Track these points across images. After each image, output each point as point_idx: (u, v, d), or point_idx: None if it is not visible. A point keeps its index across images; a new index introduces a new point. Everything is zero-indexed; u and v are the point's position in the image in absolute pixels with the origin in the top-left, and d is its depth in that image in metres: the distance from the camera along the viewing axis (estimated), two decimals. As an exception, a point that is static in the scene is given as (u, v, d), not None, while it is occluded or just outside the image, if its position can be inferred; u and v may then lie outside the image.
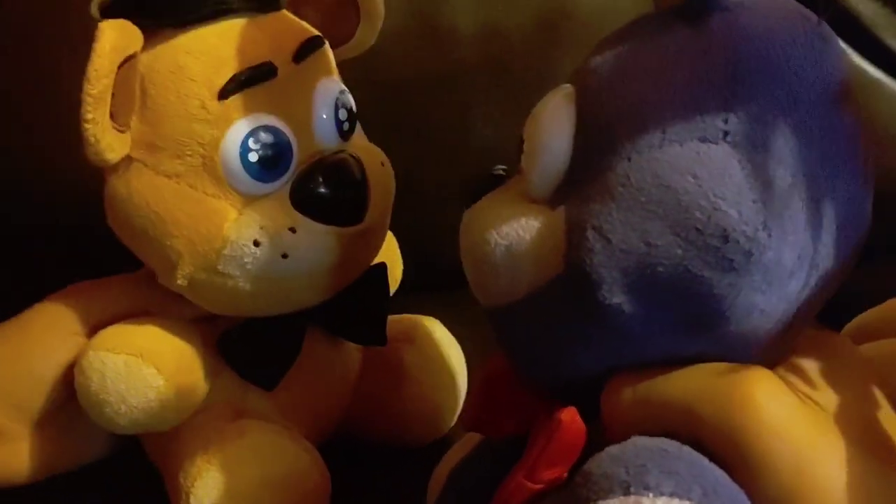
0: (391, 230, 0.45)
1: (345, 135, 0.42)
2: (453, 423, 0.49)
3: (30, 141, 0.59)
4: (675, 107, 0.26)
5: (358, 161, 0.40)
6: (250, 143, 0.38)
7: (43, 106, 0.58)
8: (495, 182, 0.32)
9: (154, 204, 0.38)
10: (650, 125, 0.26)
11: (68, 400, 0.41)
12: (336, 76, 0.42)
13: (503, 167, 0.32)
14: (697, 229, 0.24)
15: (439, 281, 0.55)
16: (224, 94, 0.38)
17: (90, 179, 0.41)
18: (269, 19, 0.40)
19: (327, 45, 0.42)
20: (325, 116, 0.40)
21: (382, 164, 0.43)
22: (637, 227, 0.25)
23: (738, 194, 0.24)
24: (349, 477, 0.42)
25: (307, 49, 0.40)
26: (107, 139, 0.36)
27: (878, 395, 0.27)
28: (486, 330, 0.52)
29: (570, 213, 0.27)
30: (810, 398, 0.26)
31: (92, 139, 0.36)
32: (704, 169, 0.25)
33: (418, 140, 0.59)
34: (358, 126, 0.44)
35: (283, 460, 0.40)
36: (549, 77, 0.59)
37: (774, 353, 0.28)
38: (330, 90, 0.41)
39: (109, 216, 0.41)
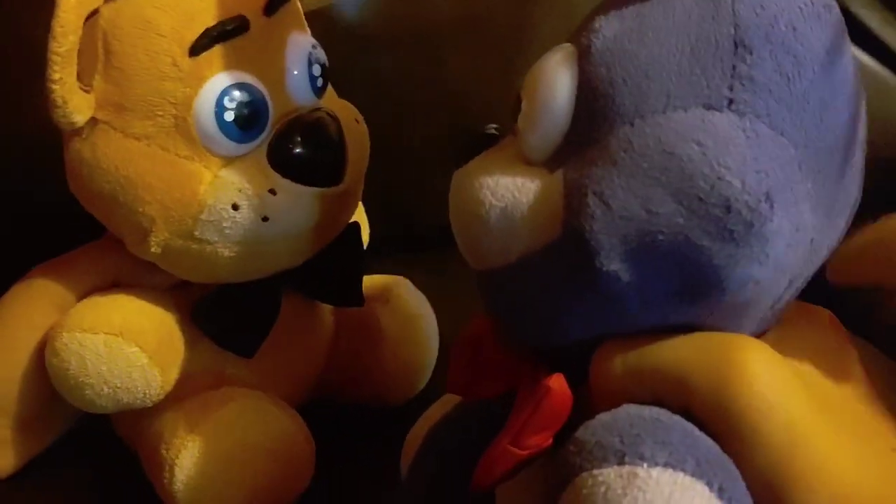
0: (366, 191, 0.45)
1: (318, 91, 0.40)
2: (427, 382, 0.49)
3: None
4: (680, 71, 0.26)
5: (335, 119, 0.39)
6: (225, 101, 0.37)
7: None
8: (487, 141, 0.31)
9: (123, 168, 0.37)
10: (654, 89, 0.26)
11: (47, 391, 0.40)
12: (307, 30, 0.41)
13: (495, 126, 0.32)
14: (700, 198, 0.24)
15: (412, 241, 0.55)
16: (195, 49, 0.36)
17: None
18: None
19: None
20: (297, 72, 0.39)
21: (357, 122, 0.42)
22: (638, 193, 0.25)
23: (742, 164, 0.24)
24: (328, 439, 0.42)
25: (278, 1, 0.39)
26: (74, 100, 0.35)
27: (860, 371, 0.27)
28: (457, 291, 0.53)
29: (570, 176, 0.26)
30: (799, 371, 0.26)
31: (59, 101, 0.34)
32: (709, 137, 0.24)
33: (394, 96, 0.58)
34: (329, 85, 0.43)
35: (268, 426, 0.40)
36: (528, 33, 0.59)
37: (763, 323, 0.28)
38: (302, 45, 0.40)
39: (72, 182, 0.39)
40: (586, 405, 0.28)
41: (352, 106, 0.43)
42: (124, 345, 0.38)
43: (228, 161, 0.37)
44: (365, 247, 0.51)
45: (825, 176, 0.26)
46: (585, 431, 0.25)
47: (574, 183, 0.26)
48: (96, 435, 0.43)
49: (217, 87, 0.36)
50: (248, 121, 0.37)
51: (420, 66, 0.60)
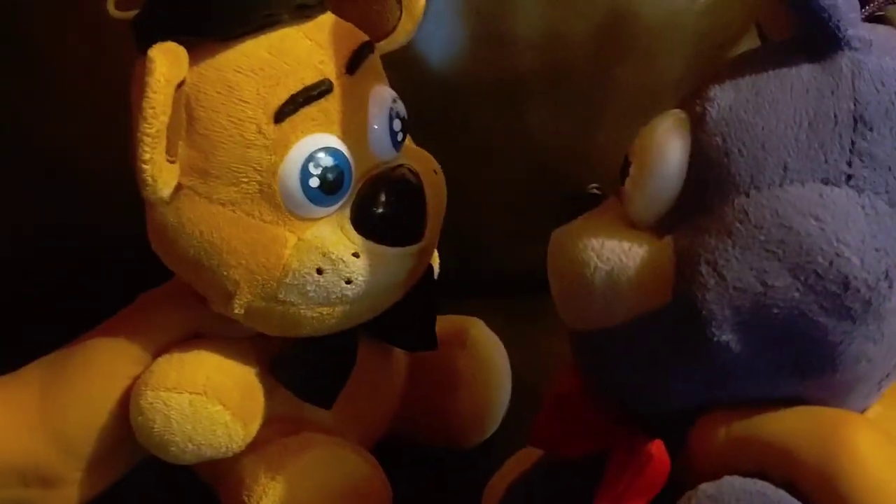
0: (442, 234, 0.44)
1: (398, 146, 0.40)
2: (499, 425, 0.50)
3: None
4: (798, 145, 0.26)
5: (416, 175, 0.39)
6: (310, 167, 0.36)
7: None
8: (589, 201, 0.31)
9: (208, 233, 0.36)
10: (771, 161, 0.26)
11: (120, 437, 0.40)
12: (386, 82, 0.41)
13: (597, 185, 0.32)
14: (818, 274, 0.24)
15: (481, 286, 0.55)
16: (280, 116, 0.36)
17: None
18: (317, 26, 0.38)
19: (376, 49, 0.40)
20: (378, 128, 0.39)
21: (435, 172, 0.42)
22: (754, 265, 0.25)
23: (861, 241, 0.24)
24: (401, 482, 0.42)
25: (359, 57, 0.38)
26: (164, 177, 0.35)
27: None
28: (529, 337, 0.53)
29: (681, 243, 0.27)
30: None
31: (150, 180, 0.34)
32: (827, 212, 0.25)
33: (473, 144, 0.59)
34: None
35: (346, 472, 0.40)
36: (607, 86, 0.59)
37: (870, 399, 0.28)
38: (384, 99, 0.40)
39: (155, 244, 0.39)
40: (682, 473, 0.28)
41: (429, 156, 0.42)
42: (208, 403, 0.38)
43: (312, 223, 0.37)
44: (436, 275, 0.50)
45: None
46: (689, 502, 0.25)
47: (686, 250, 0.26)
48: (173, 468, 0.43)
49: (302, 153, 0.36)
50: (333, 185, 0.37)
51: (501, 115, 0.60)
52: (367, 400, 0.45)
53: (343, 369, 0.42)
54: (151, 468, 0.42)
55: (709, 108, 0.27)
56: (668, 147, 0.28)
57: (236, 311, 0.38)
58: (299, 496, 0.39)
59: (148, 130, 0.33)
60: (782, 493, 0.25)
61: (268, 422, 0.41)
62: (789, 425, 0.26)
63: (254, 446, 0.40)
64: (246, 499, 0.39)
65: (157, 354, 0.40)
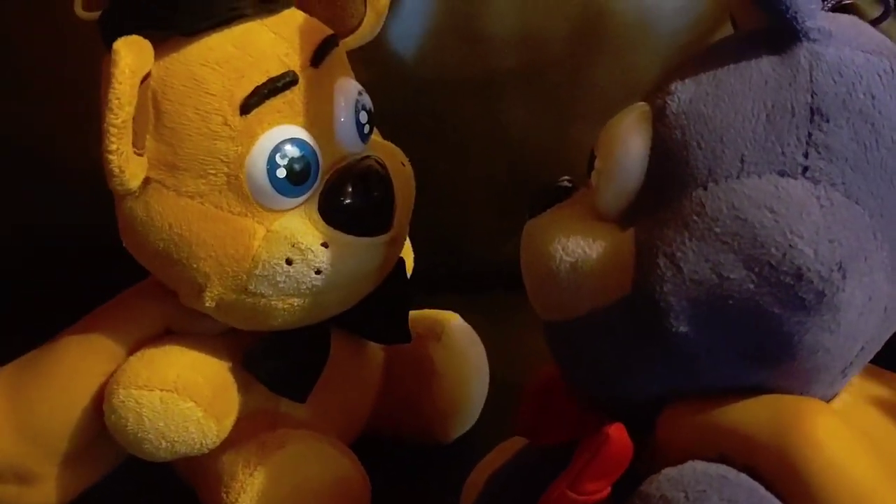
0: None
1: (365, 138, 0.41)
2: (477, 418, 0.50)
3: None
4: (755, 137, 0.26)
5: (383, 166, 0.40)
6: (277, 158, 0.37)
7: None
8: (560, 194, 0.32)
9: (177, 226, 0.37)
10: (729, 154, 0.26)
11: (97, 436, 0.41)
12: (352, 75, 0.42)
13: (568, 178, 0.33)
14: (772, 266, 0.25)
15: (461, 281, 0.56)
16: (246, 108, 0.37)
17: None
18: (282, 20, 0.39)
19: (341, 42, 0.41)
20: (344, 120, 0.40)
21: (403, 165, 0.42)
22: (710, 257, 0.25)
23: (815, 233, 0.25)
24: (380, 477, 0.43)
25: (324, 50, 0.39)
26: (131, 168, 0.35)
27: None
28: (509, 331, 0.53)
29: (641, 236, 0.27)
30: (868, 436, 0.26)
31: (116, 170, 0.35)
32: (782, 204, 0.25)
33: (450, 140, 0.60)
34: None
35: (326, 467, 0.41)
36: (583, 83, 0.60)
37: (834, 387, 0.28)
38: (349, 92, 0.40)
39: (125, 239, 0.40)
40: (650, 459, 0.29)
41: (397, 149, 0.43)
42: (179, 400, 0.39)
43: (280, 214, 0.38)
44: (409, 274, 0.51)
45: None
46: (651, 485, 0.26)
47: (645, 243, 0.27)
48: (152, 469, 0.44)
49: (268, 144, 0.37)
50: (300, 175, 0.38)
51: (477, 112, 0.61)
52: (343, 394, 0.46)
53: (316, 363, 0.43)
54: (131, 470, 0.43)
55: (669, 101, 0.28)
56: (629, 140, 0.28)
57: (207, 304, 0.39)
58: (277, 491, 0.40)
59: (114, 121, 0.33)
60: (743, 476, 0.26)
61: (244, 418, 0.42)
62: (751, 413, 0.27)
63: (231, 443, 0.41)
64: (224, 496, 0.40)
65: (130, 352, 0.40)
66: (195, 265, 0.38)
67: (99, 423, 0.40)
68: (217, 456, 0.41)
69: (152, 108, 0.36)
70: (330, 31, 0.40)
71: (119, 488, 0.44)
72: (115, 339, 0.40)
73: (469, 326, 0.51)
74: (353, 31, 0.42)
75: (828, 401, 0.28)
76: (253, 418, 0.42)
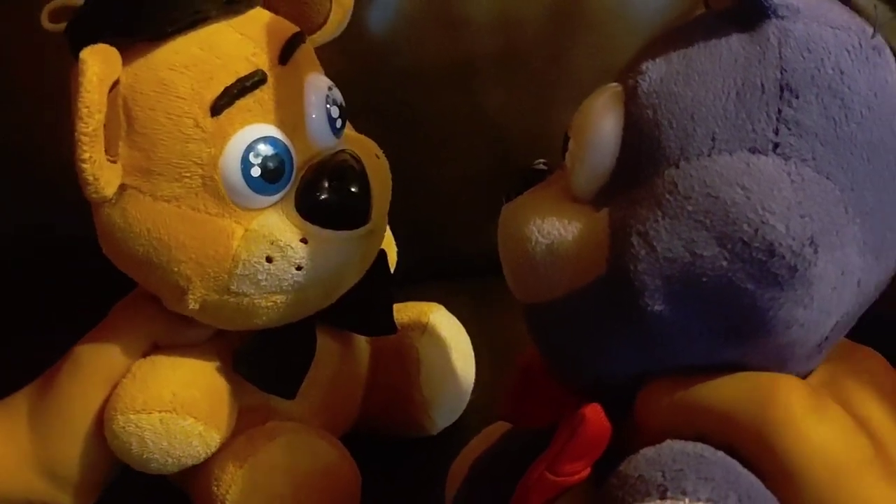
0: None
1: (338, 132, 0.41)
2: (464, 408, 0.51)
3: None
4: (726, 115, 0.26)
5: (358, 160, 0.40)
6: (250, 157, 0.37)
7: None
8: (535, 176, 0.32)
9: (155, 230, 0.38)
10: (700, 132, 0.27)
11: (105, 460, 0.42)
12: (321, 70, 0.42)
13: (543, 161, 0.33)
14: (744, 242, 0.25)
15: (446, 270, 0.56)
16: (217, 109, 0.37)
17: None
18: (247, 20, 0.39)
19: (307, 38, 0.41)
20: (316, 116, 0.40)
21: (377, 157, 0.43)
22: (683, 235, 0.26)
23: (786, 208, 0.25)
24: (370, 470, 0.44)
25: (291, 48, 0.40)
26: (105, 176, 0.35)
27: None
28: (495, 319, 0.54)
29: (615, 216, 0.28)
30: (844, 410, 0.27)
31: (90, 178, 0.35)
32: (754, 181, 0.25)
33: (430, 129, 0.60)
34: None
35: (316, 459, 0.42)
36: (565, 68, 0.60)
37: (810, 362, 0.29)
38: (319, 87, 0.41)
39: (105, 246, 0.40)
40: (630, 439, 0.29)
41: (371, 141, 0.44)
42: (179, 419, 0.39)
43: (257, 213, 0.38)
44: (393, 269, 0.51)
45: (874, 217, 0.27)
46: (629, 465, 0.26)
47: (619, 223, 0.27)
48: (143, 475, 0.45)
49: (241, 144, 0.37)
50: (274, 173, 0.38)
51: (455, 99, 0.61)
52: (331, 388, 0.47)
53: (303, 359, 0.43)
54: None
55: (640, 80, 0.28)
56: (601, 121, 0.28)
57: (191, 306, 0.39)
58: (268, 483, 0.40)
59: (84, 130, 0.34)
60: (721, 454, 0.26)
61: (237, 417, 0.42)
62: (728, 391, 0.27)
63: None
64: (215, 489, 0.40)
65: (123, 373, 0.41)
66: (176, 268, 0.38)
67: (106, 448, 0.40)
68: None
69: (123, 115, 0.37)
70: (296, 29, 0.41)
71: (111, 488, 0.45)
72: (106, 364, 0.41)
73: (453, 317, 0.51)
74: (319, 27, 0.42)
75: (804, 376, 0.29)
76: (244, 416, 0.43)
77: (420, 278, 0.53)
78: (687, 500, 0.24)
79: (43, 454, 0.41)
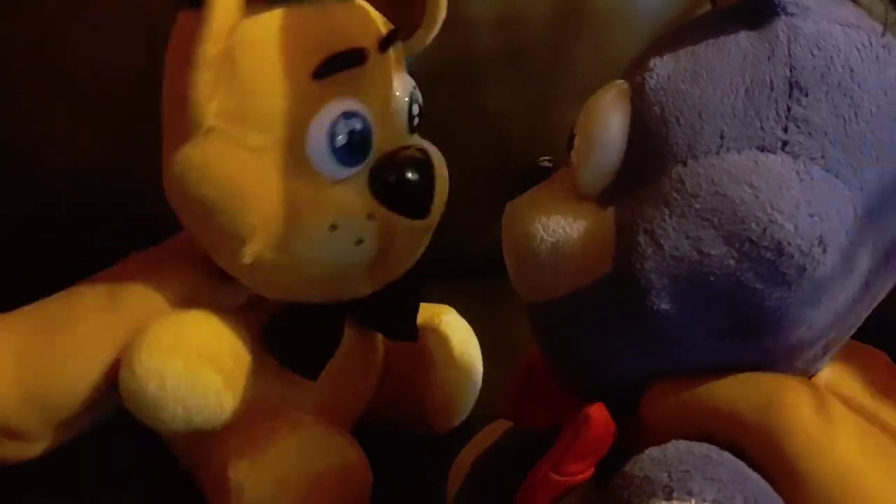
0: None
1: (413, 129, 0.43)
2: (472, 408, 0.51)
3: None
4: (734, 113, 0.26)
5: (428, 157, 0.42)
6: (338, 126, 0.39)
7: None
8: (540, 174, 0.32)
9: (233, 176, 0.38)
10: (708, 129, 0.26)
11: (96, 403, 0.41)
12: (406, 72, 0.44)
13: (548, 158, 0.33)
14: (752, 241, 0.25)
15: (447, 270, 0.56)
16: (319, 74, 0.38)
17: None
18: (354, 7, 0.41)
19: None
20: (399, 108, 0.42)
21: (441, 163, 0.44)
22: (690, 234, 0.25)
23: (795, 207, 0.25)
24: (378, 465, 0.44)
25: (392, 39, 0.41)
26: (211, 106, 0.37)
27: None
28: (500, 318, 0.54)
29: (621, 214, 0.27)
30: (851, 412, 0.26)
31: (202, 100, 0.36)
32: (762, 179, 0.25)
33: (430, 128, 0.60)
34: None
35: (333, 455, 0.42)
36: (564, 66, 0.60)
37: (816, 363, 0.28)
38: (406, 83, 0.43)
39: (173, 187, 0.40)
40: (633, 439, 0.29)
41: (435, 148, 0.45)
42: (202, 367, 0.39)
43: (332, 183, 0.39)
44: None
45: (882, 217, 0.26)
46: (634, 466, 0.26)
47: (626, 221, 0.27)
48: (149, 452, 0.45)
49: (333, 112, 0.39)
50: (357, 147, 0.40)
51: (458, 97, 0.61)
52: (347, 383, 0.47)
53: (330, 342, 0.44)
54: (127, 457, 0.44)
55: (647, 77, 0.28)
56: (608, 118, 0.28)
57: (245, 260, 0.39)
58: (285, 475, 0.40)
59: (208, 52, 0.35)
60: (727, 455, 0.26)
61: (252, 401, 0.42)
62: (734, 391, 0.27)
63: (238, 427, 0.42)
64: (232, 476, 0.40)
65: (147, 320, 0.40)
66: (243, 217, 0.39)
67: (103, 389, 0.40)
68: (226, 439, 0.42)
69: (229, 61, 0.37)
70: (396, 26, 0.42)
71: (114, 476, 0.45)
72: (133, 306, 0.41)
73: (463, 319, 0.52)
74: (405, 38, 0.44)
75: (811, 376, 0.29)
76: (260, 403, 0.43)
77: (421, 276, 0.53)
78: (693, 501, 0.24)
79: (37, 384, 0.40)
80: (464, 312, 0.52)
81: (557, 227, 0.29)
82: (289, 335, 0.43)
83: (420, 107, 0.43)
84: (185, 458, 0.45)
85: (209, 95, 0.36)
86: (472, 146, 0.62)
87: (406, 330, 0.47)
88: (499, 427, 0.38)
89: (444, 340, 0.50)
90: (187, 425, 0.40)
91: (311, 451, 0.41)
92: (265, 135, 0.38)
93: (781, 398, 0.26)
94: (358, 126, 0.39)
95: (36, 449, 0.42)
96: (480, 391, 0.52)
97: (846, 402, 0.27)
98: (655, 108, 0.27)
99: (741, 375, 0.27)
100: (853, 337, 0.29)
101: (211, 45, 0.35)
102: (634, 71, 0.29)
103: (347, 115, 0.39)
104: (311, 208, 0.39)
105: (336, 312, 0.44)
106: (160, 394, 0.39)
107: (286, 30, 0.38)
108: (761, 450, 0.25)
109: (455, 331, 0.51)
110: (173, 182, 0.40)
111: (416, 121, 0.43)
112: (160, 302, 0.41)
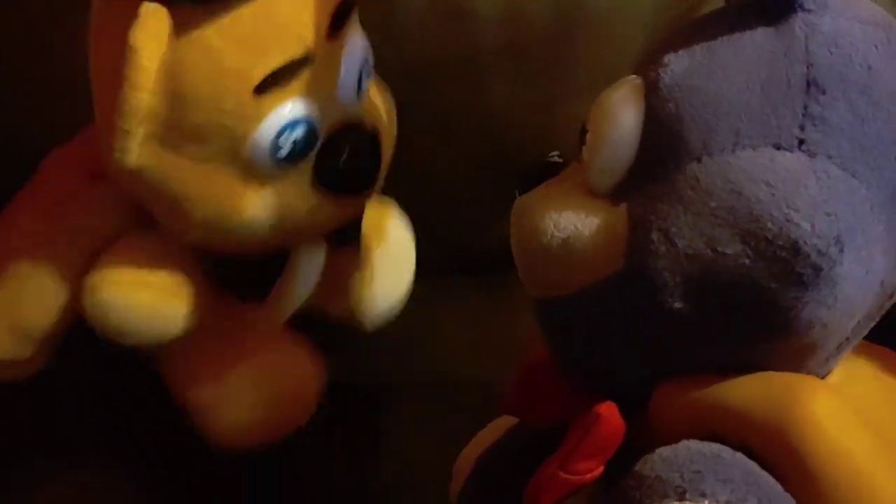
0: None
1: (361, 93, 0.42)
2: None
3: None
4: (750, 109, 0.26)
5: (376, 131, 0.41)
6: (281, 140, 0.38)
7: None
8: (550, 169, 0.32)
9: (171, 182, 0.38)
10: (723, 126, 0.26)
11: (67, 326, 0.43)
12: (361, 32, 0.42)
13: (558, 153, 0.32)
14: (767, 240, 0.24)
15: (450, 266, 0.56)
16: (261, 90, 0.37)
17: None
18: None
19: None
20: (346, 83, 0.40)
21: (388, 113, 0.44)
22: (704, 232, 0.25)
23: (811, 206, 0.24)
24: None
25: (340, 20, 0.39)
26: (135, 149, 0.36)
27: None
28: (497, 313, 0.53)
29: (634, 211, 0.27)
30: (863, 412, 0.26)
31: (123, 149, 0.36)
32: (778, 178, 0.25)
33: (432, 124, 0.60)
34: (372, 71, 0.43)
35: (287, 372, 0.45)
36: (571, 62, 0.60)
37: (829, 363, 0.28)
38: (356, 54, 0.41)
39: (116, 173, 0.40)
40: (642, 438, 0.28)
41: (389, 98, 0.44)
42: (162, 296, 0.41)
43: (276, 179, 0.39)
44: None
45: None
46: (645, 466, 0.26)
47: (639, 218, 0.27)
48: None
49: (274, 126, 0.38)
50: (300, 154, 0.39)
51: (461, 92, 0.61)
52: (292, 285, 0.47)
53: (275, 268, 0.44)
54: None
55: (662, 73, 0.27)
56: (621, 114, 0.28)
57: (191, 237, 0.41)
58: (239, 400, 0.43)
59: (133, 100, 0.34)
60: (739, 455, 0.25)
61: (206, 319, 0.43)
62: (747, 390, 0.26)
63: (194, 349, 0.44)
64: (190, 404, 0.43)
65: (102, 242, 0.42)
66: (183, 214, 0.39)
67: (74, 313, 0.42)
68: (184, 357, 0.44)
69: (164, 71, 0.36)
70: None
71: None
72: (84, 234, 0.42)
73: (406, 228, 0.51)
74: None
75: (823, 376, 0.28)
76: (216, 319, 0.44)
77: (421, 274, 0.53)
78: (706, 502, 0.24)
79: (13, 317, 0.43)
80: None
81: (569, 223, 0.28)
82: (233, 266, 0.44)
83: (368, 66, 0.42)
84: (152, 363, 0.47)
85: (133, 142, 0.36)
86: (473, 143, 0.62)
87: (350, 236, 0.46)
88: (502, 424, 0.38)
89: (385, 255, 0.49)
90: (151, 341, 0.42)
91: (266, 371, 0.44)
92: (203, 146, 0.38)
93: (795, 400, 0.25)
94: (302, 133, 0.38)
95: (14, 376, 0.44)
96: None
97: (858, 401, 0.27)
98: (670, 104, 0.27)
99: (753, 375, 0.27)
100: (866, 337, 0.29)
101: (141, 93, 0.35)
102: (648, 66, 0.28)
103: (290, 126, 0.38)
104: (252, 209, 0.39)
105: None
106: (123, 322, 0.41)
107: (223, 34, 0.36)
108: (773, 450, 0.25)
109: (399, 247, 0.50)
110: (111, 171, 0.40)
111: (366, 84, 0.42)
112: (106, 226, 0.43)
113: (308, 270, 0.47)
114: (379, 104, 0.43)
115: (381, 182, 0.43)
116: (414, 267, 0.51)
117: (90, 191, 0.43)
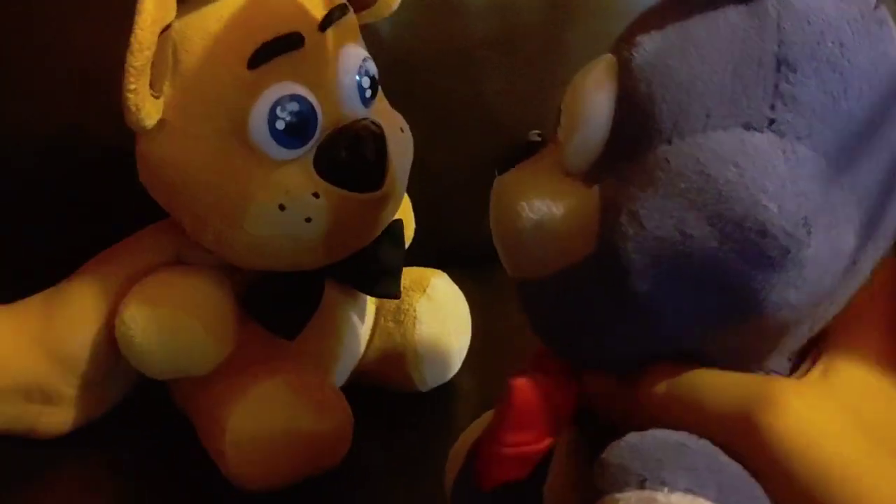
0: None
1: (367, 101, 0.44)
2: (456, 371, 0.53)
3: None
4: (721, 90, 0.26)
5: (379, 128, 0.43)
6: (277, 111, 0.40)
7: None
8: (530, 149, 0.31)
9: (185, 164, 0.41)
10: (694, 107, 0.26)
11: (112, 357, 0.45)
12: (360, 43, 0.45)
13: (538, 132, 0.32)
14: (735, 222, 0.24)
15: (443, 257, 0.57)
16: (253, 62, 0.40)
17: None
18: None
19: (351, 11, 0.44)
20: (348, 84, 0.43)
21: (402, 130, 0.46)
22: (674, 214, 0.25)
23: (780, 188, 0.24)
24: (367, 420, 0.46)
25: (332, 18, 0.42)
26: (146, 107, 0.39)
27: None
28: (489, 308, 0.54)
29: (606, 193, 0.27)
30: (848, 406, 0.26)
31: (133, 108, 0.38)
32: (748, 158, 0.25)
33: (427, 112, 0.60)
34: (380, 91, 0.46)
35: (308, 400, 0.44)
36: (563, 52, 0.61)
37: (798, 342, 0.28)
38: (353, 58, 0.43)
39: (142, 175, 0.44)
40: (634, 411, 0.28)
41: (399, 115, 0.47)
42: (185, 318, 0.43)
43: (279, 164, 0.41)
44: (409, 242, 0.54)
45: (870, 197, 0.26)
46: (611, 453, 0.26)
47: (610, 200, 0.27)
48: (154, 405, 0.48)
49: (271, 98, 0.40)
50: (298, 129, 0.41)
51: (454, 83, 0.62)
52: (333, 339, 0.49)
53: (309, 306, 0.46)
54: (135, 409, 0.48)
55: (634, 53, 0.27)
56: (594, 93, 0.28)
57: (208, 237, 0.43)
58: (266, 418, 0.43)
59: (134, 63, 0.37)
60: (704, 442, 0.25)
61: (240, 351, 0.45)
62: (720, 392, 0.26)
63: (226, 373, 0.44)
64: (216, 425, 0.43)
65: (138, 276, 0.44)
66: (198, 200, 0.42)
67: (115, 345, 0.44)
68: (213, 384, 0.44)
69: (172, 58, 0.40)
70: (341, 1, 0.43)
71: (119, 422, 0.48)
72: (129, 265, 0.45)
73: (453, 284, 0.53)
74: (370, 4, 0.46)
75: (797, 352, 0.28)
76: (248, 354, 0.45)
77: (416, 265, 0.54)
78: (665, 490, 0.24)
79: (56, 342, 0.45)
80: (464, 296, 0.53)
81: (542, 205, 0.28)
82: (267, 299, 0.45)
83: (372, 78, 0.44)
84: (183, 407, 0.48)
85: (142, 99, 0.38)
86: (467, 134, 0.62)
87: (387, 288, 0.49)
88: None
89: (430, 301, 0.52)
90: (175, 370, 0.44)
91: (290, 395, 0.44)
92: (208, 124, 0.41)
93: (769, 397, 0.25)
94: (297, 108, 0.41)
95: (68, 416, 0.46)
96: (473, 365, 0.53)
97: (848, 389, 0.26)
98: (642, 84, 0.27)
99: (734, 375, 0.27)
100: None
101: (138, 55, 0.37)
102: (622, 45, 0.28)
103: (287, 100, 0.40)
104: (258, 190, 0.41)
105: (315, 277, 0.46)
106: (146, 341, 0.42)
107: (223, 20, 0.40)
108: (744, 443, 0.25)
109: (442, 292, 0.52)
110: (141, 170, 0.44)
111: (369, 92, 0.44)
112: (152, 260, 0.45)
113: (348, 315, 0.49)
114: (389, 118, 0.45)
115: (395, 193, 0.44)
116: (467, 318, 0.54)
117: (135, 239, 0.47)
